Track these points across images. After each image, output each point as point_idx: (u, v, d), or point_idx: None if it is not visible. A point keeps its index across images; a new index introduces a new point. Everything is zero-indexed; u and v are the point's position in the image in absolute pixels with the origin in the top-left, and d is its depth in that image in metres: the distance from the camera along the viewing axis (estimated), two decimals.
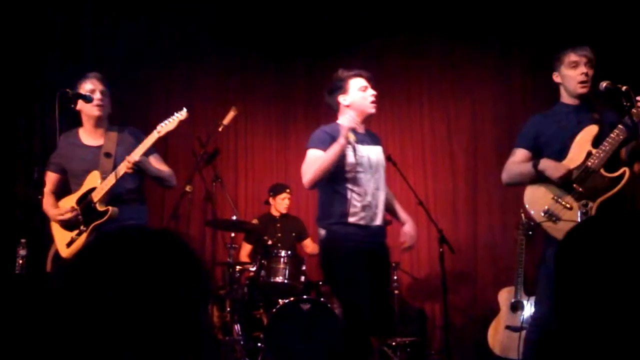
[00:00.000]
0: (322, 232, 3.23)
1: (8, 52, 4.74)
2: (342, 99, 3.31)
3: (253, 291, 4.78)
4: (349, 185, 3.17)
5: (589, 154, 2.97)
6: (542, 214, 3.03)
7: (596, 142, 2.99)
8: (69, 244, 3.21)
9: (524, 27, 5.63)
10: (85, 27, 5.23)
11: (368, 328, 3.18)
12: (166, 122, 3.21)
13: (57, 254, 3.25)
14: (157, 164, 3.41)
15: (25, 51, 4.87)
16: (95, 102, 3.25)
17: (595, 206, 2.93)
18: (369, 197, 3.18)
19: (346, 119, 3.20)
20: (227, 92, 6.42)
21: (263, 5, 6.09)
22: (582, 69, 3.07)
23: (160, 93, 5.98)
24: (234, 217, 4.73)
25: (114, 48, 5.33)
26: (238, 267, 4.76)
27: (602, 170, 2.94)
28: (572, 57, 3.10)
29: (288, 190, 5.63)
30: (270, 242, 4.97)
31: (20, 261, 3.16)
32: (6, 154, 4.67)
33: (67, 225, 3.24)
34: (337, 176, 3.16)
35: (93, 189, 3.23)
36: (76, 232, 3.22)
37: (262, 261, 4.69)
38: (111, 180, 3.18)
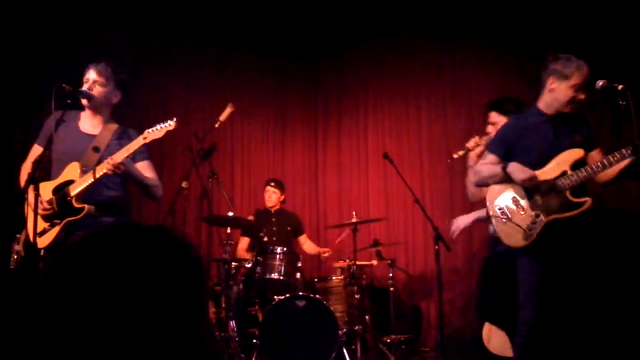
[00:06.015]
0: None
1: (7, 52, 4.75)
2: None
3: (249, 288, 4.78)
4: None
5: (564, 174, 3.03)
6: (497, 209, 3.16)
7: (576, 165, 3.04)
8: (40, 234, 3.09)
9: (522, 28, 5.64)
10: (83, 25, 5.23)
11: None
12: (154, 129, 3.12)
13: (28, 239, 3.12)
14: (146, 172, 3.32)
15: (23, 50, 4.87)
16: (83, 88, 3.21)
17: (545, 222, 3.01)
18: None
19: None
20: (224, 89, 6.43)
21: (262, 3, 6.08)
22: (582, 95, 3.06)
23: (158, 90, 5.98)
24: (230, 214, 4.73)
25: (113, 45, 5.32)
26: (234, 263, 4.76)
27: (567, 192, 3.01)
28: (579, 79, 3.05)
29: (273, 184, 5.65)
30: (266, 239, 4.98)
31: (15, 257, 3.15)
32: (3, 150, 4.67)
33: (42, 215, 3.12)
34: None
35: (71, 182, 3.13)
36: (49, 224, 3.12)
37: (258, 258, 4.69)
38: (89, 178, 3.08)
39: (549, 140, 3.10)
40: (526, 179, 3.04)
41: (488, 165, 3.25)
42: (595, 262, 0.96)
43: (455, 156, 3.89)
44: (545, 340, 0.97)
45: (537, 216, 3.03)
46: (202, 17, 6.11)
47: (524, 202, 3.10)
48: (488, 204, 3.22)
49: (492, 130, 3.80)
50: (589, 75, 3.08)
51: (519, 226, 3.05)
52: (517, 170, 3.08)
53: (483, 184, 3.30)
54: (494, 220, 3.17)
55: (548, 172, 3.07)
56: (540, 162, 3.09)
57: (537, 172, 3.07)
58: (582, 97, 3.07)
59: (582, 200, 2.99)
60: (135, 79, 5.48)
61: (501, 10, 5.71)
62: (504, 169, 3.13)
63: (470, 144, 3.84)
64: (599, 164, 2.98)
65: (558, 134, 3.11)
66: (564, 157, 3.07)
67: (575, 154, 3.06)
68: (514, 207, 3.12)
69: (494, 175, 3.20)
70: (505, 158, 3.19)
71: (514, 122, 3.29)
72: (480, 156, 3.78)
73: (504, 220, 3.12)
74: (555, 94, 3.12)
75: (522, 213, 3.09)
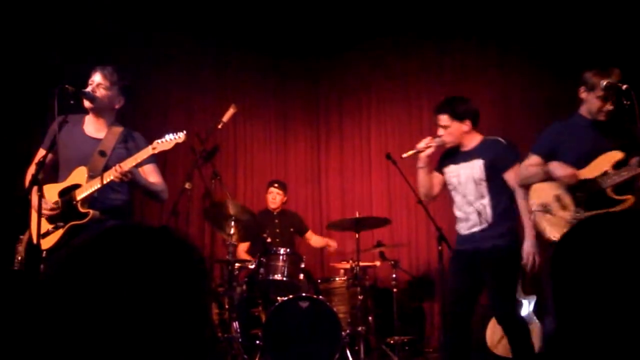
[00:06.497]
0: None
1: (7, 53, 4.75)
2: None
3: (252, 289, 4.78)
4: None
5: (605, 173, 3.07)
6: (539, 205, 3.23)
7: (618, 165, 3.07)
8: (44, 235, 3.08)
9: (522, 28, 5.64)
10: (83, 25, 5.23)
11: (456, 320, 3.47)
12: (164, 140, 3.15)
13: (30, 240, 3.11)
14: (151, 175, 3.33)
15: (23, 51, 4.86)
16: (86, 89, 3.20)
17: (585, 217, 3.01)
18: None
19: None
20: (226, 90, 6.43)
21: (263, 3, 6.08)
22: (609, 105, 3.09)
23: (158, 90, 5.97)
24: None
25: (113, 47, 5.32)
26: (237, 264, 4.75)
27: (609, 190, 3.04)
28: (604, 90, 3.07)
29: (276, 185, 5.63)
30: (269, 240, 4.97)
31: (19, 258, 3.14)
32: (6, 151, 4.67)
33: (48, 216, 3.11)
34: None
35: (78, 186, 3.13)
36: (53, 225, 3.11)
37: (261, 258, 4.68)
38: (96, 183, 3.08)
39: (591, 142, 3.15)
40: (565, 175, 3.12)
41: (529, 166, 3.31)
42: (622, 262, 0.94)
43: (405, 155, 3.76)
44: (564, 346, 0.96)
45: (579, 212, 3.09)
46: (202, 17, 6.11)
47: (566, 199, 3.16)
48: (530, 201, 3.29)
49: (442, 132, 3.66)
50: (610, 85, 3.04)
51: (562, 219, 3.13)
52: (557, 167, 3.17)
53: (524, 183, 3.35)
54: (536, 215, 3.23)
55: (589, 170, 3.11)
56: (580, 163, 3.14)
57: (578, 171, 3.12)
58: (610, 107, 3.09)
59: (624, 197, 3.02)
60: (135, 79, 5.50)
61: (501, 10, 5.71)
62: (545, 167, 3.22)
63: (421, 144, 3.70)
64: (636, 165, 3.00)
65: (600, 137, 3.15)
66: (604, 158, 3.10)
67: (616, 155, 3.08)
68: (555, 202, 3.18)
69: (535, 174, 3.27)
70: (549, 158, 3.24)
71: (558, 125, 3.35)
72: (430, 157, 3.67)
73: (545, 215, 3.20)
74: (587, 104, 3.19)
75: (564, 209, 3.15)
